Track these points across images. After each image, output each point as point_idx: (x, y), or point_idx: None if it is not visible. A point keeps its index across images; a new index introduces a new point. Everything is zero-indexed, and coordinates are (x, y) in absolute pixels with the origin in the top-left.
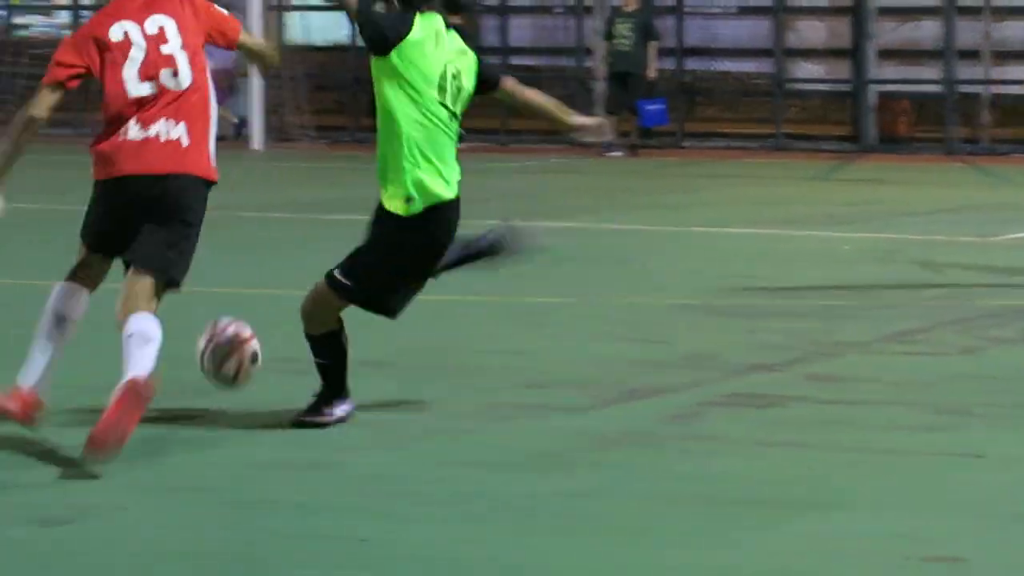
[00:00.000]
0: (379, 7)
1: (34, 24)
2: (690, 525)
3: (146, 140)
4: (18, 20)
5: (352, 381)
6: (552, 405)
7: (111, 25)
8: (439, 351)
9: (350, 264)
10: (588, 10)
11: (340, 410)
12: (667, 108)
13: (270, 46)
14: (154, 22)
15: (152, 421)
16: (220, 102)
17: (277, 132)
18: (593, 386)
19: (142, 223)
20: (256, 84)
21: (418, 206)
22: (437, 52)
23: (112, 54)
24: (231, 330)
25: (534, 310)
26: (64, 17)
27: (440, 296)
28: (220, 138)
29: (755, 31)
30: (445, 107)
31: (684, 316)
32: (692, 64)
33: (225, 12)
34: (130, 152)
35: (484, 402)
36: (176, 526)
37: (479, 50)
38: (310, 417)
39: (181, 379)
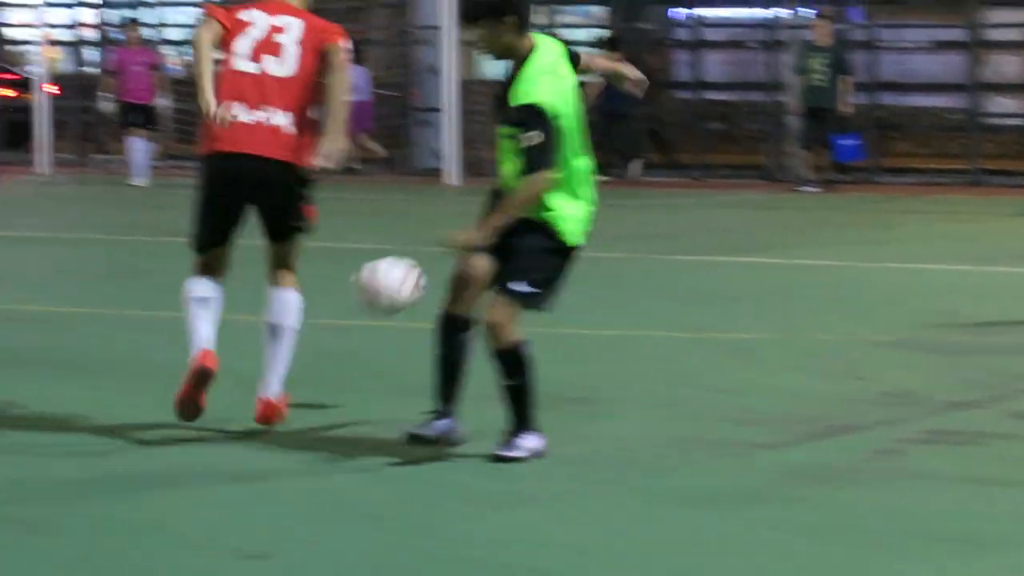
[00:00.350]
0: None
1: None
2: (906, 562)
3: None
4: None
5: (550, 416)
6: (755, 441)
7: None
8: (640, 386)
9: (531, 274)
10: (781, 45)
11: (534, 442)
12: (861, 143)
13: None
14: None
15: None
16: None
17: (472, 167)
18: (795, 421)
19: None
20: (451, 119)
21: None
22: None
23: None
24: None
25: (735, 345)
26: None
27: (643, 331)
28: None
29: (949, 65)
30: None
31: (883, 352)
32: (886, 99)
33: (337, 35)
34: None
35: (687, 437)
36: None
37: (671, 85)
38: (505, 452)
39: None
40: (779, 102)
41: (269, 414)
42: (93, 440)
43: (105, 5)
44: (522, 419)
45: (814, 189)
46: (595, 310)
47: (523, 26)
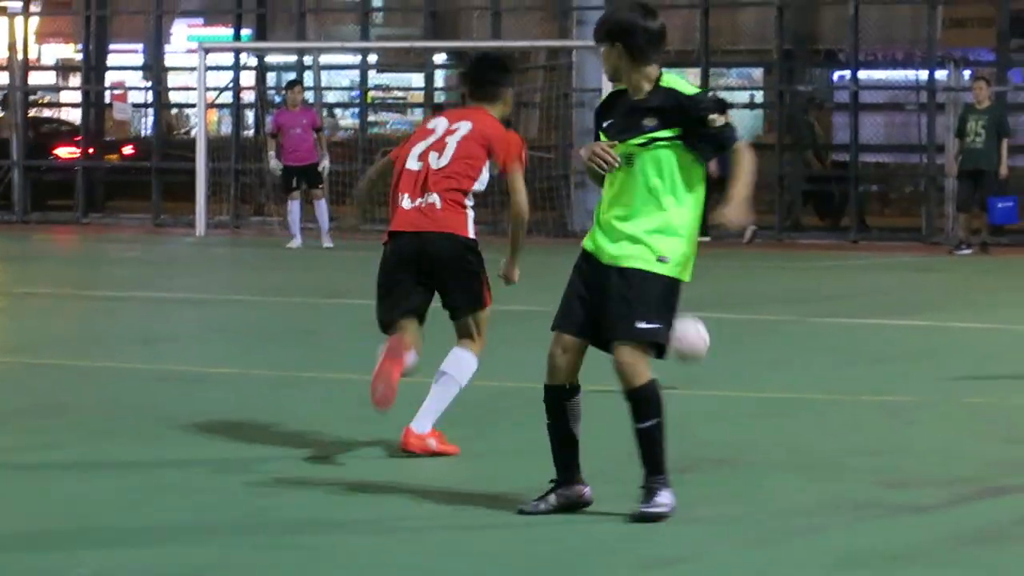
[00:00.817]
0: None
1: (388, 121)
2: None
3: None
4: (372, 118)
5: (701, 475)
6: (907, 503)
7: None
8: (792, 446)
9: (653, 311)
10: (940, 107)
11: (670, 498)
12: (1018, 205)
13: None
14: (459, 124)
15: None
16: None
17: None
18: (947, 483)
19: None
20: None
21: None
22: None
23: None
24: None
25: (889, 407)
26: (418, 114)
27: (796, 393)
28: None
29: None
30: None
31: None
32: None
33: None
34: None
35: (838, 498)
36: None
37: (829, 147)
38: (650, 509)
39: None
40: (938, 164)
41: (408, 443)
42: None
43: (264, 68)
44: (656, 465)
45: (970, 251)
46: (750, 372)
47: (634, 56)
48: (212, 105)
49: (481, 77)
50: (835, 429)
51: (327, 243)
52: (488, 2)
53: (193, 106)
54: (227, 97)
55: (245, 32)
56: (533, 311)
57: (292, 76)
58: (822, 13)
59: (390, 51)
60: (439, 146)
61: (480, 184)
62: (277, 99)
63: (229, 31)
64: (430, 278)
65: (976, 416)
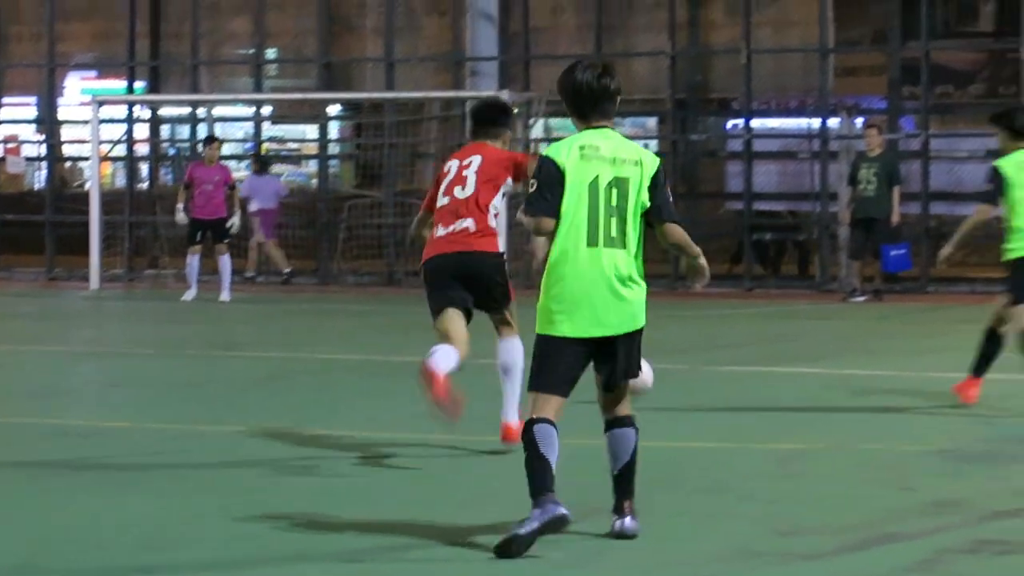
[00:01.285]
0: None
1: (283, 173)
2: None
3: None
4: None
5: (590, 523)
6: (799, 551)
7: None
8: (684, 497)
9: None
10: (833, 155)
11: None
12: (911, 252)
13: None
14: (470, 159)
15: None
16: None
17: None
18: (840, 531)
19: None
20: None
21: None
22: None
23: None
24: None
25: (782, 455)
26: (312, 166)
27: (688, 442)
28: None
29: None
30: None
31: (930, 461)
32: (937, 208)
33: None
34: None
35: (731, 548)
36: None
37: (724, 196)
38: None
39: None
40: (831, 212)
41: (510, 436)
42: (154, 554)
43: (158, 120)
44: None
45: (863, 299)
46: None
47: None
48: (106, 158)
49: (486, 118)
50: (730, 477)
51: (225, 296)
52: (382, 53)
53: (87, 159)
54: (121, 150)
55: (139, 84)
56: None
57: (186, 128)
58: (715, 62)
59: (284, 103)
60: (460, 180)
61: (501, 201)
62: (171, 151)
63: (123, 83)
64: (467, 286)
65: (869, 463)
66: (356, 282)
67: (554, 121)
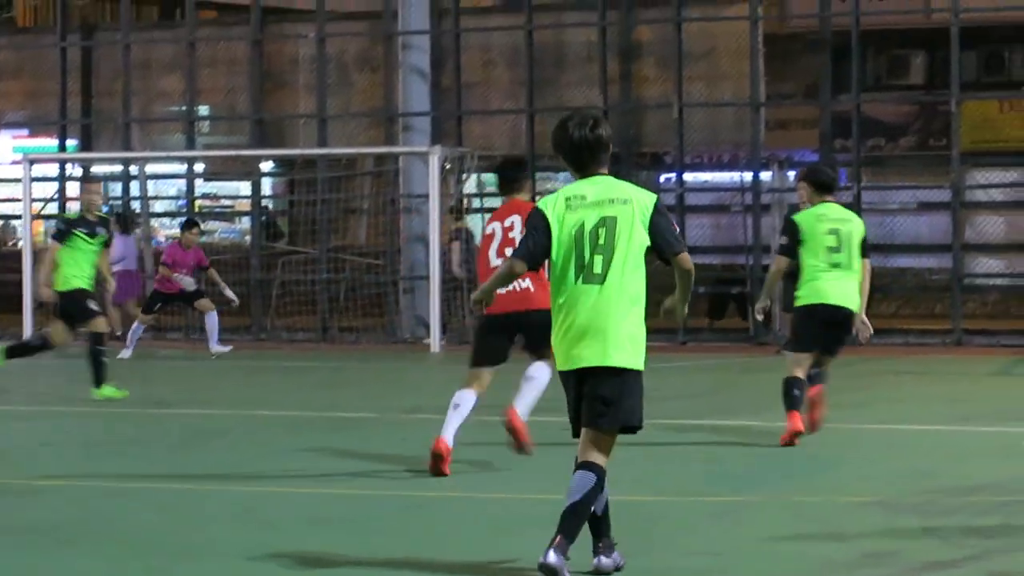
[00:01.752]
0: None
1: (217, 230)
2: None
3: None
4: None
5: None
6: None
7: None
8: (624, 552)
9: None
10: (766, 208)
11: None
12: None
13: None
14: (510, 220)
15: None
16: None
17: (456, 334)
18: None
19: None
20: (435, 287)
21: None
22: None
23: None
24: None
25: (716, 508)
26: (246, 222)
27: (620, 496)
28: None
29: (934, 226)
30: None
31: (862, 513)
32: (871, 261)
33: None
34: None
35: None
36: None
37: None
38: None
39: None
40: (764, 264)
41: (512, 423)
42: None
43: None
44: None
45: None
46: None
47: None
48: (38, 216)
49: (511, 175)
50: (664, 531)
51: (219, 349)
52: (314, 109)
53: (19, 217)
54: (53, 208)
55: (71, 143)
56: (365, 417)
57: (119, 186)
58: (647, 116)
59: (217, 159)
60: (508, 243)
61: None
62: (104, 209)
63: (54, 142)
64: (521, 335)
65: (802, 515)
66: (290, 338)
67: (486, 176)
